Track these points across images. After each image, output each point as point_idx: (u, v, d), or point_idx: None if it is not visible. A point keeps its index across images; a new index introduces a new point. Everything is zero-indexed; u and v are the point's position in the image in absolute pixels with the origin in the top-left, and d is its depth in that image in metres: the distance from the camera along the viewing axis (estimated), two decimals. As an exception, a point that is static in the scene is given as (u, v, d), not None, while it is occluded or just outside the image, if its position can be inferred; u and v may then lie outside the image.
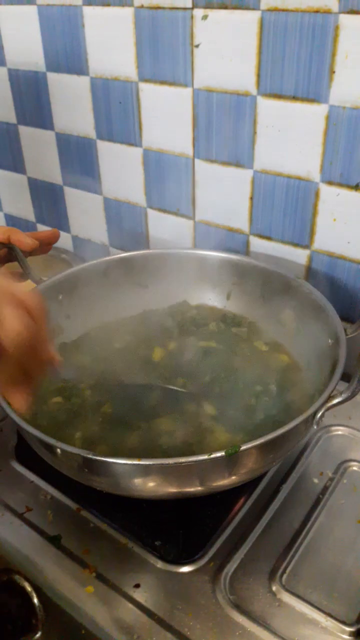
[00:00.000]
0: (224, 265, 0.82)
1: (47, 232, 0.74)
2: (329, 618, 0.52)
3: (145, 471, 0.50)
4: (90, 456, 0.50)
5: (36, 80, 0.98)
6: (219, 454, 0.48)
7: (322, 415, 0.53)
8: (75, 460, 0.52)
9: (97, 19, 0.84)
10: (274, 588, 0.55)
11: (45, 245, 0.75)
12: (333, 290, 0.79)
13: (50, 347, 0.50)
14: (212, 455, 0.48)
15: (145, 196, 0.95)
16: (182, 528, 0.60)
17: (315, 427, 0.54)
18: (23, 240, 0.70)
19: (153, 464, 0.49)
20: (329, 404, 0.53)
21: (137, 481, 0.51)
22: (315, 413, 0.53)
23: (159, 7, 0.77)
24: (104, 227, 1.05)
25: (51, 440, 0.52)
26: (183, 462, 0.48)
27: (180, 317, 0.83)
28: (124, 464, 0.49)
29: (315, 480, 0.65)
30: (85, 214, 1.07)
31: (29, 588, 0.57)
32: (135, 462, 0.48)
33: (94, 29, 0.86)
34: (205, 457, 0.48)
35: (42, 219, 1.16)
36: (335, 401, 0.53)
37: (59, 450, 0.52)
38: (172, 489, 0.52)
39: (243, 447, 0.48)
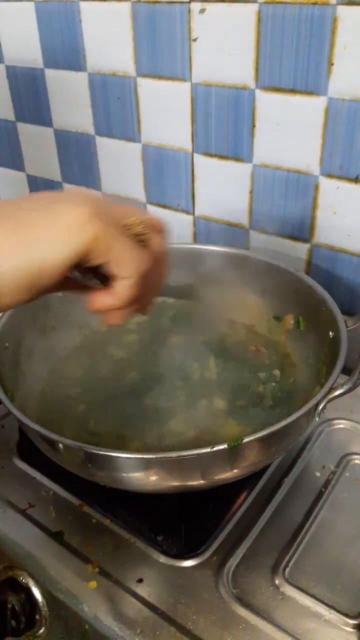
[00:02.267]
0: (224, 259, 0.82)
1: None
2: (332, 611, 0.52)
3: (149, 465, 0.50)
4: (93, 451, 0.49)
5: (34, 76, 0.98)
6: (221, 447, 0.48)
7: (324, 407, 0.53)
8: (78, 455, 0.52)
9: (94, 14, 0.84)
10: (277, 581, 0.55)
11: None
12: (333, 283, 0.79)
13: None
14: (215, 448, 0.48)
15: (144, 192, 0.95)
16: (185, 522, 0.60)
17: (317, 419, 0.54)
18: None
19: (156, 458, 0.49)
20: (331, 395, 0.53)
21: (141, 475, 0.51)
22: (317, 405, 0.53)
23: (156, 1, 0.77)
24: (104, 223, 1.04)
25: (54, 436, 0.52)
26: (186, 456, 0.48)
27: (180, 311, 0.83)
28: (128, 458, 0.49)
29: (318, 474, 0.65)
30: (85, 211, 1.06)
31: (32, 584, 0.58)
32: (139, 455, 0.48)
33: (91, 24, 0.85)
34: (208, 449, 0.48)
35: (42, 216, 1.16)
36: (337, 393, 0.53)
37: (61, 446, 0.52)
38: (176, 483, 0.52)
39: (246, 440, 0.48)
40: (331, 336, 0.64)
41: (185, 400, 0.67)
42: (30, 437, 0.58)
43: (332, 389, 0.54)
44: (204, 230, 0.91)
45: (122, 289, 0.42)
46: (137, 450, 0.60)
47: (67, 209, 0.39)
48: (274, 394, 0.67)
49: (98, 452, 0.49)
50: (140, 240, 0.43)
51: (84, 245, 0.38)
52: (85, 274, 0.43)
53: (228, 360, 0.73)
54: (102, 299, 0.43)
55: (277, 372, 0.70)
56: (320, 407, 0.53)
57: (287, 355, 0.74)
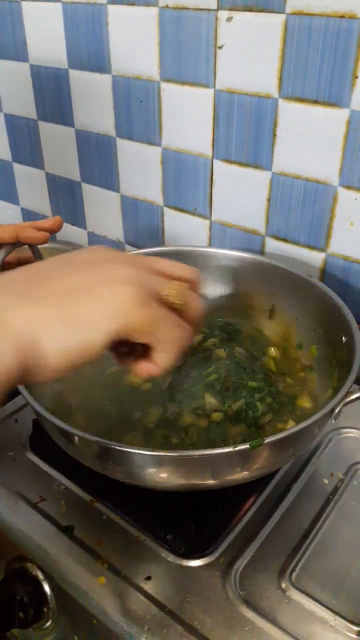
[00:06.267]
0: (237, 263, 0.82)
1: (49, 220, 0.70)
2: (337, 617, 0.53)
3: (167, 463, 0.51)
4: (118, 448, 0.50)
5: (58, 77, 0.99)
6: (243, 447, 0.49)
7: (340, 411, 0.54)
8: (93, 449, 0.53)
9: (122, 17, 0.85)
10: (283, 585, 0.55)
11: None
12: (347, 292, 0.79)
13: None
14: (237, 448, 0.49)
15: (162, 195, 0.96)
16: (194, 523, 0.60)
17: (333, 421, 0.55)
18: (33, 236, 0.67)
19: (178, 456, 0.50)
20: (347, 399, 0.54)
21: (156, 472, 0.52)
22: (334, 408, 0.54)
23: (183, 8, 0.78)
24: (120, 224, 1.05)
25: (69, 428, 0.53)
26: (208, 455, 0.49)
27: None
28: (150, 455, 0.50)
29: (326, 481, 0.66)
30: (102, 211, 1.08)
31: (41, 577, 0.58)
32: (159, 453, 0.49)
33: (118, 27, 0.86)
34: (231, 449, 0.49)
35: (59, 214, 1.17)
36: (353, 396, 0.55)
37: (76, 438, 0.53)
38: (191, 481, 0.53)
39: (267, 440, 0.49)
40: (344, 341, 0.65)
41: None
42: (45, 428, 0.59)
43: (348, 393, 0.55)
44: (219, 234, 0.92)
45: (164, 361, 0.43)
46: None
47: (111, 292, 0.39)
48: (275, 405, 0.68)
49: (120, 448, 0.50)
50: (177, 306, 0.43)
51: (127, 329, 0.39)
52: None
53: (236, 364, 0.74)
54: (147, 369, 0.44)
55: (283, 384, 0.71)
56: (337, 410, 0.54)
57: (297, 359, 0.75)
